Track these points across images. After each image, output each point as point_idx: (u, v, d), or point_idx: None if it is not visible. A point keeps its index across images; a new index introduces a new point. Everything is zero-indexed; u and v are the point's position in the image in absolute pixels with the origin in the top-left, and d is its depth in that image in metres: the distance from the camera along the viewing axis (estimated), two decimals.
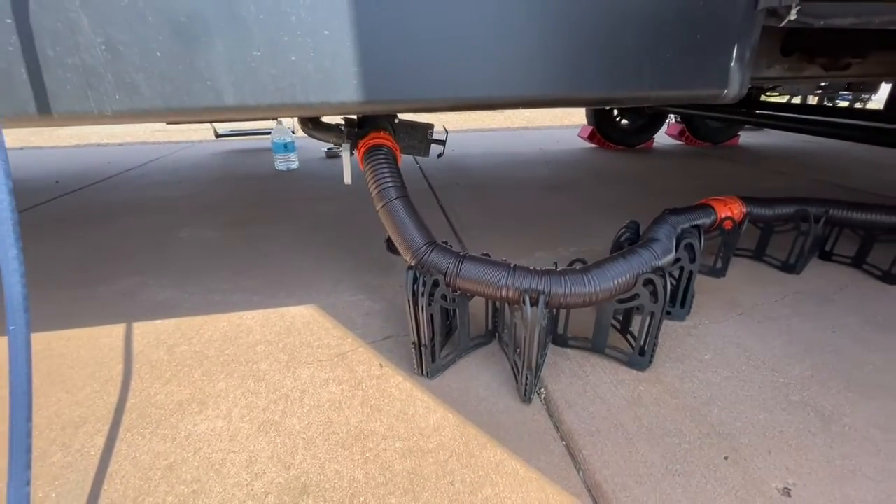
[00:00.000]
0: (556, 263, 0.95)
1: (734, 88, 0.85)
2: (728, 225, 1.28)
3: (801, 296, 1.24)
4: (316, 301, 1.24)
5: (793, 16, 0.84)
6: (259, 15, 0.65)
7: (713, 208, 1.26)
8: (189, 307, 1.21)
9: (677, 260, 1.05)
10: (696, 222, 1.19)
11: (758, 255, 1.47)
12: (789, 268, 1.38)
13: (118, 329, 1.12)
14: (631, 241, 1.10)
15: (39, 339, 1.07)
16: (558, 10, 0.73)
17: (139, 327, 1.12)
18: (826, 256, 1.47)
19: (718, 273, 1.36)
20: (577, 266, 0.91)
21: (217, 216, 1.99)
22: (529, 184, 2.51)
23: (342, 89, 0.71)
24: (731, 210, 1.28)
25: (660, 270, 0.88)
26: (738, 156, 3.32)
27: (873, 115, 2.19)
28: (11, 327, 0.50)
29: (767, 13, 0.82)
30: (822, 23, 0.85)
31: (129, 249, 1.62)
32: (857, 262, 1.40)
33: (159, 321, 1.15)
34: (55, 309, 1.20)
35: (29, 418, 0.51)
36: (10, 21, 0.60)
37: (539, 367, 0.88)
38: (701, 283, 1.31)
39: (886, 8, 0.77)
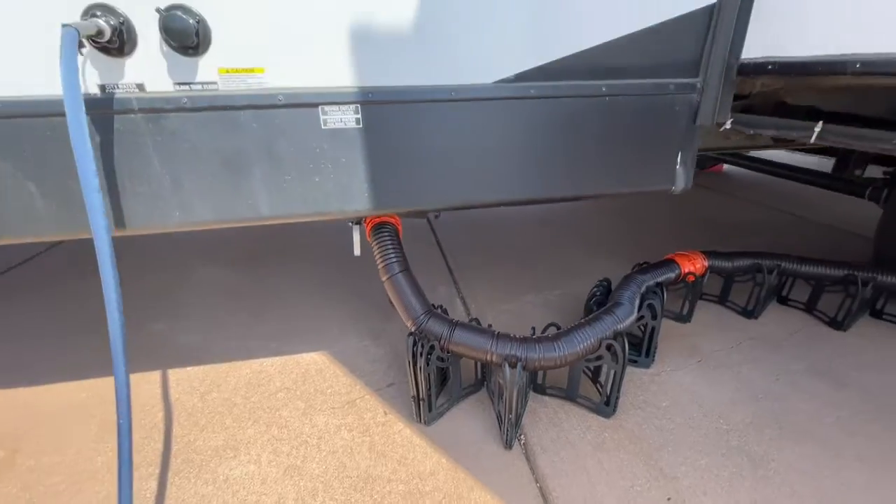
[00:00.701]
0: (533, 329, 1.12)
1: (680, 184, 1.03)
2: (691, 279, 1.45)
3: (754, 342, 1.41)
4: (327, 347, 1.40)
5: (728, 126, 1.01)
6: (290, 149, 0.82)
7: (678, 263, 1.43)
8: (215, 353, 1.37)
9: (640, 318, 1.21)
10: (660, 279, 1.36)
11: (722, 299, 1.63)
12: (748, 313, 1.55)
13: (154, 376, 1.28)
14: (600, 301, 1.27)
15: (89, 386, 1.23)
16: (534, 138, 0.91)
17: (173, 374, 1.28)
18: (783, 301, 1.64)
19: (684, 319, 1.52)
20: (552, 331, 1.07)
21: (227, 253, 2.15)
22: (526, 218, 2.68)
23: (356, 201, 0.88)
24: (693, 265, 1.45)
25: (620, 336, 1.04)
26: (720, 184, 3.51)
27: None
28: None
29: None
30: (751, 131, 1.02)
31: (154, 288, 1.78)
32: (809, 308, 1.57)
33: (190, 368, 1.31)
34: (95, 357, 1.36)
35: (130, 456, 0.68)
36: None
37: (519, 417, 1.05)
38: (668, 327, 1.47)
39: (800, 125, 0.94)
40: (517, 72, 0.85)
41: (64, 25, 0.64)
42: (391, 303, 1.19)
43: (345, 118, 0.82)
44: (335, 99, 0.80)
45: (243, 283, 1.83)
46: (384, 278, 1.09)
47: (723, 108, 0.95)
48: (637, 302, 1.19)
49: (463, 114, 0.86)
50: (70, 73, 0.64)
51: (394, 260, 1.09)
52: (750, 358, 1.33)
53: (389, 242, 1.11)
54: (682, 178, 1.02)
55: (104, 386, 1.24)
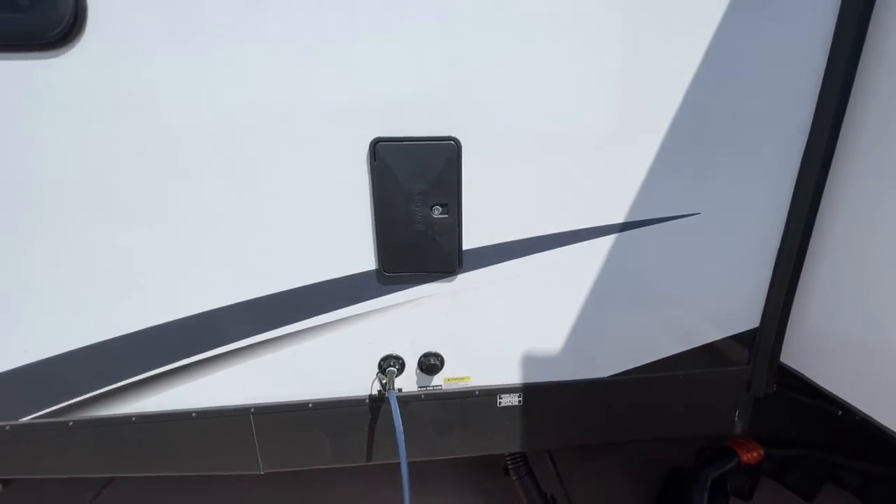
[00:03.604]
0: None
1: (738, 429, 1.41)
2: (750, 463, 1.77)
3: None
4: None
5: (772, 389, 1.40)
6: (478, 417, 1.31)
7: (736, 452, 1.76)
8: None
9: None
10: (723, 470, 1.70)
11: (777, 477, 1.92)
12: (806, 496, 1.83)
13: None
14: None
15: None
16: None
17: None
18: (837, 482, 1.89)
19: (746, 497, 1.82)
20: None
21: None
22: None
23: (516, 444, 1.34)
24: (750, 455, 1.77)
25: None
26: None
27: None
28: None
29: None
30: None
31: None
32: (860, 493, 1.82)
33: None
34: None
35: None
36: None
37: None
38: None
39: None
40: (625, 369, 1.31)
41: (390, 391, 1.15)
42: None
43: (511, 399, 1.30)
44: (507, 390, 1.29)
45: None
46: (515, 478, 1.53)
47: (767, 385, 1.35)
48: (706, 492, 1.54)
49: (583, 396, 1.32)
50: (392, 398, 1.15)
51: (522, 466, 1.53)
52: None
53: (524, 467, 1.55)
54: (738, 427, 1.41)
55: None
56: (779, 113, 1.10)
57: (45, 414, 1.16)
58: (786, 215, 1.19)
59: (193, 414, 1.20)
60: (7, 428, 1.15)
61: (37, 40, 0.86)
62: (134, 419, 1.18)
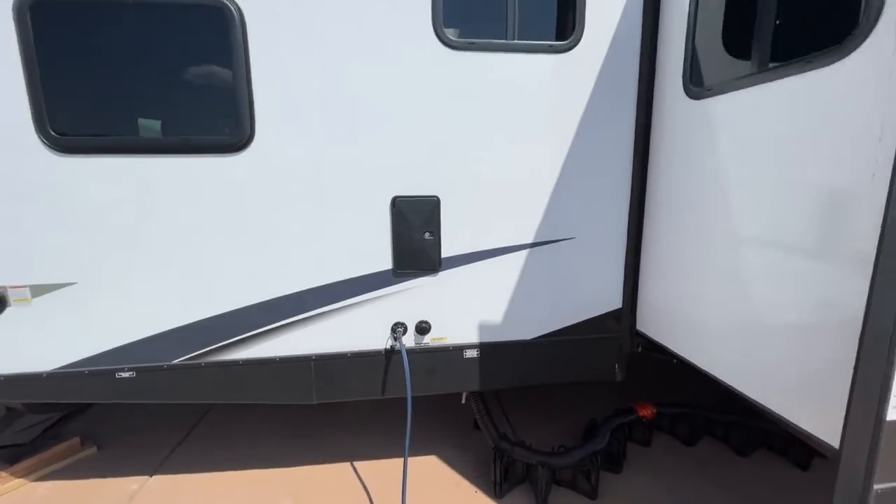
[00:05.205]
0: (552, 447, 2.22)
1: (618, 377, 2.20)
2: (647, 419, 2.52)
3: (688, 459, 2.42)
4: (437, 453, 2.51)
5: (636, 349, 2.21)
6: (449, 364, 2.08)
7: (636, 409, 2.52)
8: None
9: (611, 442, 2.29)
10: (625, 419, 2.45)
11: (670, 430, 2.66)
12: (690, 443, 2.56)
13: None
14: (589, 429, 2.37)
15: None
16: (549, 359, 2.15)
17: None
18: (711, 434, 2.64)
19: (646, 444, 2.55)
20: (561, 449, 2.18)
21: None
22: None
23: (471, 384, 2.11)
24: (646, 411, 2.53)
25: (599, 452, 2.13)
26: None
27: None
28: None
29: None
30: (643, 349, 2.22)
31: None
32: (725, 439, 2.57)
33: None
34: None
35: None
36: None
37: (546, 494, 2.10)
38: (634, 450, 2.50)
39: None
40: (541, 333, 2.12)
41: (400, 344, 1.95)
42: (477, 427, 2.35)
43: (472, 353, 2.08)
44: (470, 346, 2.08)
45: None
46: (477, 416, 2.27)
47: (631, 346, 2.17)
48: (609, 434, 2.28)
49: (516, 351, 2.11)
50: (402, 348, 1.94)
51: (483, 409, 2.27)
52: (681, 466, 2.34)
53: (482, 402, 2.30)
54: (619, 374, 2.20)
55: None
56: (613, 163, 2.01)
57: (187, 358, 1.91)
58: (626, 230, 2.07)
59: (277, 359, 1.96)
60: (164, 366, 1.90)
61: (229, 148, 1.75)
62: (240, 362, 1.94)
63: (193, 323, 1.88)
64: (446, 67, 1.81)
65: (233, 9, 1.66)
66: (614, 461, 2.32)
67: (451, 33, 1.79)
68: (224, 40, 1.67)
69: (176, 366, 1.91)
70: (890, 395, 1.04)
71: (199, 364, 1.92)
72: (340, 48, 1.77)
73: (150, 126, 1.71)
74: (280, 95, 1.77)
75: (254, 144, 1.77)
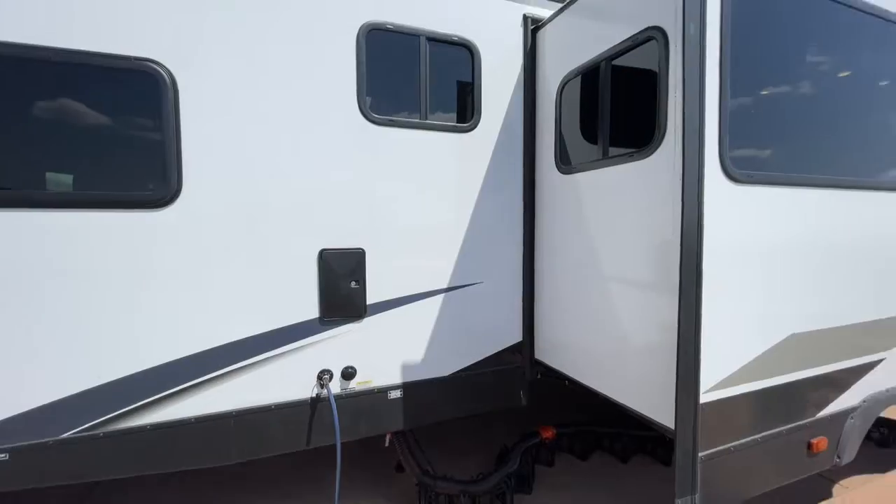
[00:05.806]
0: (472, 475, 2.41)
1: (524, 402, 2.52)
2: (548, 439, 2.86)
3: (586, 473, 2.79)
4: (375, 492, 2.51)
5: (536, 376, 2.58)
6: (376, 405, 2.20)
7: (540, 433, 2.85)
8: None
9: (522, 465, 2.55)
10: (531, 442, 2.75)
11: (569, 449, 3.04)
12: (584, 458, 2.95)
13: None
14: (501, 456, 2.62)
15: None
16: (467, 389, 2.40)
17: None
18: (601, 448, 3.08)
19: (551, 464, 2.88)
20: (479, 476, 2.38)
21: None
22: None
23: (396, 424, 2.24)
24: (548, 433, 2.88)
25: (511, 475, 2.37)
26: None
27: None
28: None
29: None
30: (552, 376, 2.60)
31: None
32: (611, 450, 3.02)
33: None
34: None
35: None
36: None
37: None
38: (542, 471, 2.80)
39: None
40: (456, 369, 2.36)
41: (328, 391, 2.02)
42: (400, 467, 2.44)
43: (396, 394, 2.23)
44: (394, 387, 2.22)
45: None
46: (401, 455, 2.37)
47: (532, 373, 2.53)
48: (518, 457, 2.55)
49: (436, 387, 2.32)
50: (330, 394, 2.00)
51: (406, 448, 2.39)
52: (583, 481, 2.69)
53: (404, 441, 2.42)
54: (525, 399, 2.53)
55: None
56: (510, 220, 2.44)
57: (82, 429, 1.73)
58: (521, 274, 2.48)
59: (193, 419, 1.87)
60: (50, 442, 1.69)
61: (154, 203, 1.76)
62: (149, 427, 1.81)
63: (93, 388, 1.73)
64: (369, 139, 2.10)
65: (165, 75, 1.75)
66: (525, 483, 2.58)
67: (373, 111, 2.10)
68: (155, 102, 1.74)
69: (66, 440, 1.71)
70: (699, 385, 1.49)
71: (98, 435, 1.75)
72: (273, 117, 1.95)
73: (61, 181, 1.66)
74: (210, 155, 1.86)
75: (180, 200, 1.80)
